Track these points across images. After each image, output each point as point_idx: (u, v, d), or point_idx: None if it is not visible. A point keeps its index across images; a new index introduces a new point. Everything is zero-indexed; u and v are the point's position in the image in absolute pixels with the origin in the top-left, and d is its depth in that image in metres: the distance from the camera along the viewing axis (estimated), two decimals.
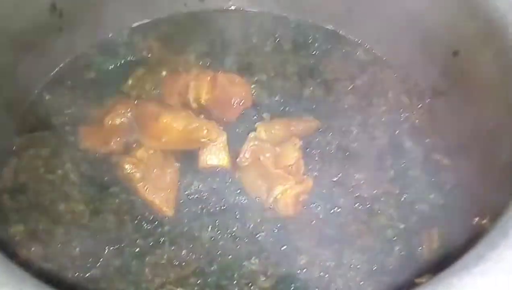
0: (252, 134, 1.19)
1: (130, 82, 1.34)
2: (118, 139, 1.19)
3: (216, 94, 1.26)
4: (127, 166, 1.11)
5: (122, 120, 1.22)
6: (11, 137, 1.22)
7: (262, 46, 1.47)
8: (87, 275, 1.02)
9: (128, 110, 1.23)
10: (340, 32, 1.52)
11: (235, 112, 1.28)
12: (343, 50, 1.48)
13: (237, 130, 1.24)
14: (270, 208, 1.12)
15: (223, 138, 1.17)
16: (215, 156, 1.16)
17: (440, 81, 1.31)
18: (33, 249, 1.03)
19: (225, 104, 1.27)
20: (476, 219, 1.00)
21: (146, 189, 1.11)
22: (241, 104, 1.28)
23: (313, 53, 1.47)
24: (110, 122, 1.22)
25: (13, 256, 0.98)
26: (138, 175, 1.11)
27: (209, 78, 1.26)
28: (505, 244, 0.70)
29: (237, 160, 1.17)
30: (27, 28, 1.25)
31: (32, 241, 1.04)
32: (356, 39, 1.51)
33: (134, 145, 1.18)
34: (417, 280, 0.78)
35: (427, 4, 1.29)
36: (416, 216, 1.15)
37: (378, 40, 1.46)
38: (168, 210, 1.10)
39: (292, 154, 1.16)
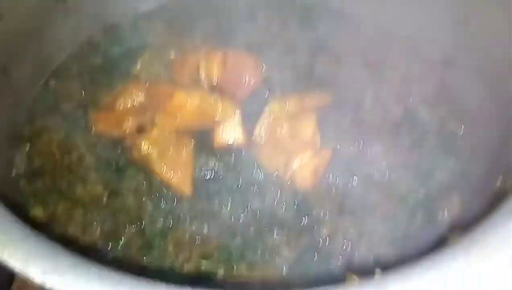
0: (266, 110, 1.18)
1: (139, 65, 1.32)
2: (130, 122, 1.18)
3: (227, 73, 1.25)
4: (143, 147, 1.10)
5: (134, 102, 1.21)
6: (23, 124, 1.21)
7: (269, 26, 1.46)
8: (110, 255, 1.01)
9: (140, 92, 1.22)
10: (346, 9, 1.52)
11: (247, 90, 1.27)
12: (351, 27, 1.47)
13: (250, 107, 1.23)
14: (288, 181, 1.12)
15: (237, 115, 1.16)
16: (230, 134, 1.16)
17: (451, 50, 1.29)
18: (54, 231, 1.02)
19: (236, 83, 1.26)
20: (499, 182, 1.00)
21: (163, 169, 1.10)
22: (252, 82, 1.28)
23: (321, 31, 1.46)
24: (122, 105, 1.21)
25: None
26: (153, 155, 1.10)
27: (219, 57, 1.25)
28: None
29: (253, 136, 1.16)
30: (33, 14, 1.24)
31: (52, 223, 1.03)
32: (363, 15, 1.50)
33: (148, 126, 1.17)
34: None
35: None
36: (436, 183, 1.14)
37: (385, 14, 1.45)
38: (186, 189, 1.09)
39: (308, 128, 1.16)
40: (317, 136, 1.16)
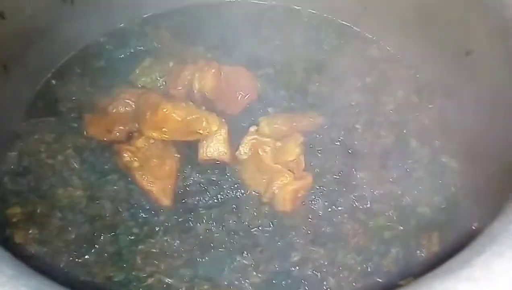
0: (252, 128, 1.18)
1: (137, 71, 1.34)
2: (121, 128, 1.20)
3: (220, 87, 1.25)
4: (125, 155, 1.12)
5: (126, 108, 1.23)
6: (18, 122, 1.24)
7: (272, 39, 1.45)
8: (81, 260, 1.03)
9: (132, 99, 1.23)
10: (354, 27, 1.50)
11: (240, 105, 1.27)
12: (356, 46, 1.45)
13: (241, 123, 1.23)
14: (267, 202, 1.11)
15: (223, 130, 1.16)
16: (214, 148, 1.16)
17: (452, 81, 1.27)
18: (30, 231, 1.05)
19: (229, 97, 1.26)
20: (475, 224, 0.97)
21: (144, 178, 1.11)
22: (246, 97, 1.28)
23: (324, 48, 1.45)
24: (114, 110, 1.22)
25: (10, 237, 1.03)
26: (136, 164, 1.12)
27: (213, 70, 1.24)
28: (493, 250, 0.66)
29: (236, 153, 1.16)
30: (39, 14, 1.27)
31: (29, 223, 1.06)
32: (370, 36, 1.48)
33: (135, 134, 1.18)
34: (401, 282, 0.76)
35: (441, 2, 1.25)
36: (416, 219, 1.12)
37: (391, 37, 1.43)
38: (165, 200, 1.10)
39: (293, 150, 1.14)
40: (301, 159, 1.15)
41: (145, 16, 1.51)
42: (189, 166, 1.16)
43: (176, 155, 1.16)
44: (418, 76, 1.36)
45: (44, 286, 0.65)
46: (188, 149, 1.18)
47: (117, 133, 1.20)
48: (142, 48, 1.43)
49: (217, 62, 1.28)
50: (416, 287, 0.64)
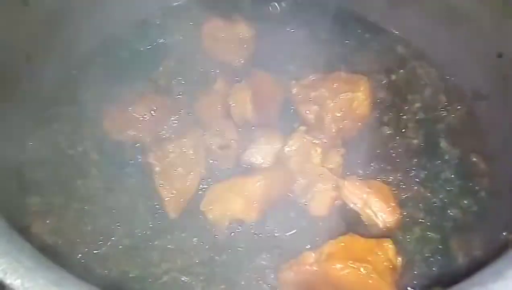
0: (302, 127, 1.15)
1: (160, 69, 1.31)
2: (133, 133, 1.18)
3: (257, 105, 1.19)
4: (150, 155, 1.09)
5: (144, 114, 1.20)
6: (38, 111, 1.23)
7: (296, 33, 1.41)
8: (96, 252, 1.01)
9: (154, 107, 1.20)
10: (381, 24, 1.45)
11: (274, 113, 1.23)
12: (382, 43, 1.41)
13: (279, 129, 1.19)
14: (303, 204, 1.08)
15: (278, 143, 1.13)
16: (260, 155, 1.12)
17: (482, 83, 1.22)
18: (47, 221, 1.04)
19: (263, 108, 1.21)
20: (505, 233, 0.92)
21: (161, 184, 1.08)
22: (276, 103, 1.24)
23: (349, 43, 1.40)
24: (133, 112, 1.20)
25: (28, 226, 1.02)
26: (157, 168, 1.09)
27: (249, 96, 1.18)
28: None
29: (285, 148, 1.12)
30: (63, 5, 1.26)
31: (47, 213, 1.05)
32: (397, 33, 1.43)
33: (167, 134, 1.17)
34: None
35: (473, 2, 1.20)
36: (448, 222, 1.08)
37: (420, 35, 1.38)
38: (172, 213, 1.06)
39: (334, 158, 1.12)
40: (340, 170, 1.11)
41: (166, 7, 1.49)
42: (210, 180, 1.12)
43: (202, 170, 1.12)
44: (446, 76, 1.31)
45: (62, 279, 0.63)
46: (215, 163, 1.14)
47: (130, 135, 1.17)
48: (165, 40, 1.41)
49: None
50: None
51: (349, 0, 1.47)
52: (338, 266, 0.91)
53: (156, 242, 1.01)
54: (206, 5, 1.45)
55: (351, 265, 0.90)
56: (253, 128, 1.19)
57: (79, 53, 1.37)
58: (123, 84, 1.30)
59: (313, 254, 0.94)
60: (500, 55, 1.15)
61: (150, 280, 0.96)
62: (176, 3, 1.49)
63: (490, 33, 1.17)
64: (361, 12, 1.47)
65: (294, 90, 1.19)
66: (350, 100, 1.14)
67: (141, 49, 1.40)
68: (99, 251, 1.01)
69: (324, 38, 1.41)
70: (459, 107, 1.26)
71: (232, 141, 1.14)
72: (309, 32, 1.41)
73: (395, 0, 1.40)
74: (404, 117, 1.24)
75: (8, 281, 0.63)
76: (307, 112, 1.17)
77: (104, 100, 1.25)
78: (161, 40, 1.41)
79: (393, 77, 1.30)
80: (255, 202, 1.03)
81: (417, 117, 1.24)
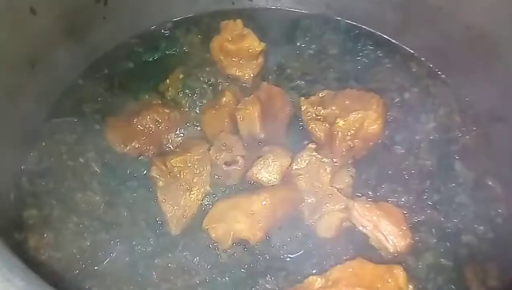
0: (312, 145, 1.11)
1: (167, 81, 1.28)
2: (137, 146, 1.15)
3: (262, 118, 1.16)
4: (153, 169, 1.06)
5: (150, 126, 1.18)
6: (41, 121, 1.21)
7: (306, 48, 1.39)
8: (95, 268, 0.98)
9: (159, 119, 1.18)
10: (394, 41, 1.42)
11: (281, 129, 1.20)
12: (395, 60, 1.38)
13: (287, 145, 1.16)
14: (310, 225, 1.04)
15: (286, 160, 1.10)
16: (267, 172, 1.09)
17: (498, 104, 1.18)
18: (45, 235, 1.00)
19: (270, 123, 1.18)
20: None
21: (164, 199, 1.05)
22: (284, 118, 1.21)
23: (361, 60, 1.37)
24: (137, 125, 1.17)
25: (24, 240, 0.98)
26: (161, 183, 1.06)
27: (257, 112, 1.14)
28: None
29: (293, 166, 1.09)
30: (71, 13, 1.24)
31: (44, 227, 1.01)
32: (410, 50, 1.40)
33: (172, 148, 1.15)
34: None
35: (489, 20, 1.17)
36: (462, 249, 1.03)
37: (434, 54, 1.35)
38: (174, 228, 1.03)
39: (344, 178, 1.09)
40: (350, 190, 1.08)
41: (175, 19, 1.47)
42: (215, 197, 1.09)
43: (207, 186, 1.09)
44: (461, 96, 1.27)
45: None
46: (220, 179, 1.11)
47: (134, 147, 1.14)
48: (172, 52, 1.39)
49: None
50: None
51: (361, 16, 1.44)
52: None
53: (156, 260, 0.97)
54: (216, 18, 1.44)
55: None
56: (260, 144, 1.16)
57: (86, 62, 1.36)
58: (129, 95, 1.28)
59: (319, 279, 0.90)
60: None
61: None
62: (186, 16, 1.47)
63: (507, 52, 1.13)
64: (374, 28, 1.45)
65: (304, 107, 1.16)
66: (361, 119, 1.10)
67: (149, 60, 1.38)
68: (97, 267, 0.97)
69: (335, 53, 1.38)
70: (474, 128, 1.22)
71: (238, 157, 1.10)
72: (320, 48, 1.39)
73: (408, 17, 1.37)
74: (417, 137, 1.20)
75: None
76: (317, 130, 1.13)
77: (109, 111, 1.24)
78: (169, 52, 1.40)
79: (406, 95, 1.26)
80: (260, 222, 1.00)
81: (431, 137, 1.20)
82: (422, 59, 1.37)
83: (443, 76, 1.33)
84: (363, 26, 1.45)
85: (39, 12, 1.13)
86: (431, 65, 1.36)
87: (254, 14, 1.49)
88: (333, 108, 1.13)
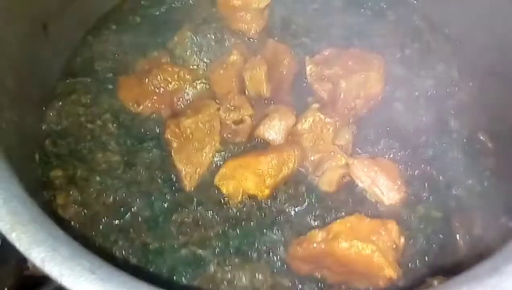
0: (315, 105, 1.17)
1: (175, 38, 1.31)
2: (149, 105, 1.21)
3: (271, 79, 1.21)
4: (168, 131, 1.13)
5: (161, 85, 1.22)
6: (57, 81, 1.26)
7: (311, 2, 1.40)
8: (119, 222, 1.07)
9: (169, 79, 1.23)
10: None
11: (287, 87, 1.25)
12: (398, 12, 1.39)
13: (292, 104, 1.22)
14: (313, 180, 1.13)
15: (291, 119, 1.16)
16: (273, 131, 1.16)
17: (496, 60, 1.21)
18: (71, 192, 1.09)
19: (276, 82, 1.23)
20: (503, 218, 0.97)
21: (178, 158, 1.12)
22: (290, 76, 1.26)
23: (365, 12, 1.39)
24: (148, 84, 1.22)
25: (53, 199, 1.08)
26: (175, 144, 1.13)
27: (264, 70, 1.19)
28: None
29: (297, 126, 1.16)
30: None
31: (70, 186, 1.10)
32: (414, 1, 1.41)
33: (184, 110, 1.19)
34: (428, 280, 0.77)
35: None
36: (451, 201, 1.12)
37: (437, 7, 1.36)
38: (188, 185, 1.11)
39: (344, 135, 1.15)
40: (350, 146, 1.15)
41: None
42: (225, 154, 1.16)
43: (217, 145, 1.16)
44: (460, 51, 1.31)
45: (95, 266, 0.69)
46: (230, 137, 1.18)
47: (146, 106, 1.21)
48: (178, 5, 1.41)
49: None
50: None
51: None
52: (344, 245, 0.97)
53: (174, 216, 1.07)
54: None
55: (356, 244, 0.97)
56: (266, 102, 1.22)
57: (94, 18, 1.38)
58: (138, 52, 1.31)
59: (320, 233, 1.00)
60: None
61: (169, 253, 1.03)
62: None
63: (504, 12, 1.15)
64: None
65: (308, 67, 1.21)
66: (363, 80, 1.15)
67: (156, 13, 1.40)
68: (121, 221, 1.07)
69: (340, 5, 1.40)
70: (471, 84, 1.27)
71: (246, 116, 1.17)
72: (324, 1, 1.40)
73: None
74: (416, 93, 1.25)
75: (46, 268, 0.69)
76: (321, 90, 1.19)
77: (120, 70, 1.28)
78: (176, 5, 1.41)
79: (407, 52, 1.30)
80: (267, 179, 1.08)
81: (429, 93, 1.25)
82: (425, 11, 1.39)
83: (444, 31, 1.35)
84: None
85: None
86: (433, 19, 1.38)
87: None
88: (336, 68, 1.18)
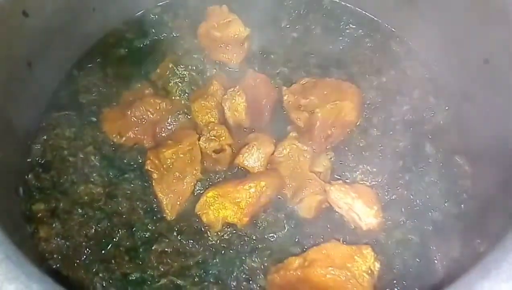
0: (293, 133, 1.21)
1: (158, 70, 1.35)
2: (132, 136, 1.24)
3: (250, 108, 1.25)
4: (148, 163, 1.15)
5: (143, 117, 1.26)
6: (40, 115, 1.29)
7: (290, 30, 1.44)
8: (100, 253, 1.09)
9: (151, 110, 1.26)
10: (376, 19, 1.48)
11: (267, 115, 1.28)
12: (376, 39, 1.43)
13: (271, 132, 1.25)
14: (292, 207, 1.15)
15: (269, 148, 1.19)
16: (253, 159, 1.18)
17: (470, 86, 1.25)
18: (53, 225, 1.11)
19: (255, 110, 1.26)
20: (478, 240, 0.99)
21: (159, 188, 1.14)
22: (269, 105, 1.28)
23: (343, 40, 1.43)
24: (131, 116, 1.25)
25: (36, 231, 1.10)
26: (155, 175, 1.15)
27: (243, 99, 1.23)
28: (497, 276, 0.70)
29: (275, 154, 1.19)
30: (59, 10, 1.28)
31: (52, 219, 1.12)
32: (392, 29, 1.45)
33: (166, 140, 1.21)
34: None
35: (463, 5, 1.22)
36: (428, 225, 1.14)
37: (414, 33, 1.40)
38: (169, 214, 1.13)
39: (322, 162, 1.18)
40: (329, 173, 1.18)
41: (161, 3, 1.51)
42: (206, 182, 1.19)
43: (198, 174, 1.18)
44: (436, 77, 1.34)
45: None
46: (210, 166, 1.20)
47: (129, 137, 1.24)
48: (161, 37, 1.45)
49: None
50: None
51: None
52: (320, 272, 0.99)
53: (154, 246, 1.09)
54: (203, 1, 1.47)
55: (332, 271, 0.99)
56: (245, 130, 1.25)
57: (80, 52, 1.42)
58: (122, 84, 1.35)
59: (297, 260, 1.02)
60: (486, 61, 1.17)
61: (148, 282, 1.05)
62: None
63: (478, 40, 1.19)
64: (356, 6, 1.49)
65: (285, 97, 1.24)
66: (338, 109, 1.18)
67: (140, 46, 1.44)
68: (102, 252, 1.09)
69: (319, 33, 1.44)
70: (447, 108, 1.30)
71: (226, 145, 1.19)
72: (304, 29, 1.44)
73: None
74: (393, 119, 1.28)
75: None
76: (298, 119, 1.22)
77: (104, 102, 1.31)
78: (159, 37, 1.45)
79: (384, 79, 1.33)
80: (247, 208, 1.10)
81: (405, 118, 1.28)
82: (403, 38, 1.43)
83: (421, 56, 1.38)
84: (346, 4, 1.50)
85: (31, 14, 1.18)
86: (410, 44, 1.41)
87: None
88: (312, 98, 1.21)
